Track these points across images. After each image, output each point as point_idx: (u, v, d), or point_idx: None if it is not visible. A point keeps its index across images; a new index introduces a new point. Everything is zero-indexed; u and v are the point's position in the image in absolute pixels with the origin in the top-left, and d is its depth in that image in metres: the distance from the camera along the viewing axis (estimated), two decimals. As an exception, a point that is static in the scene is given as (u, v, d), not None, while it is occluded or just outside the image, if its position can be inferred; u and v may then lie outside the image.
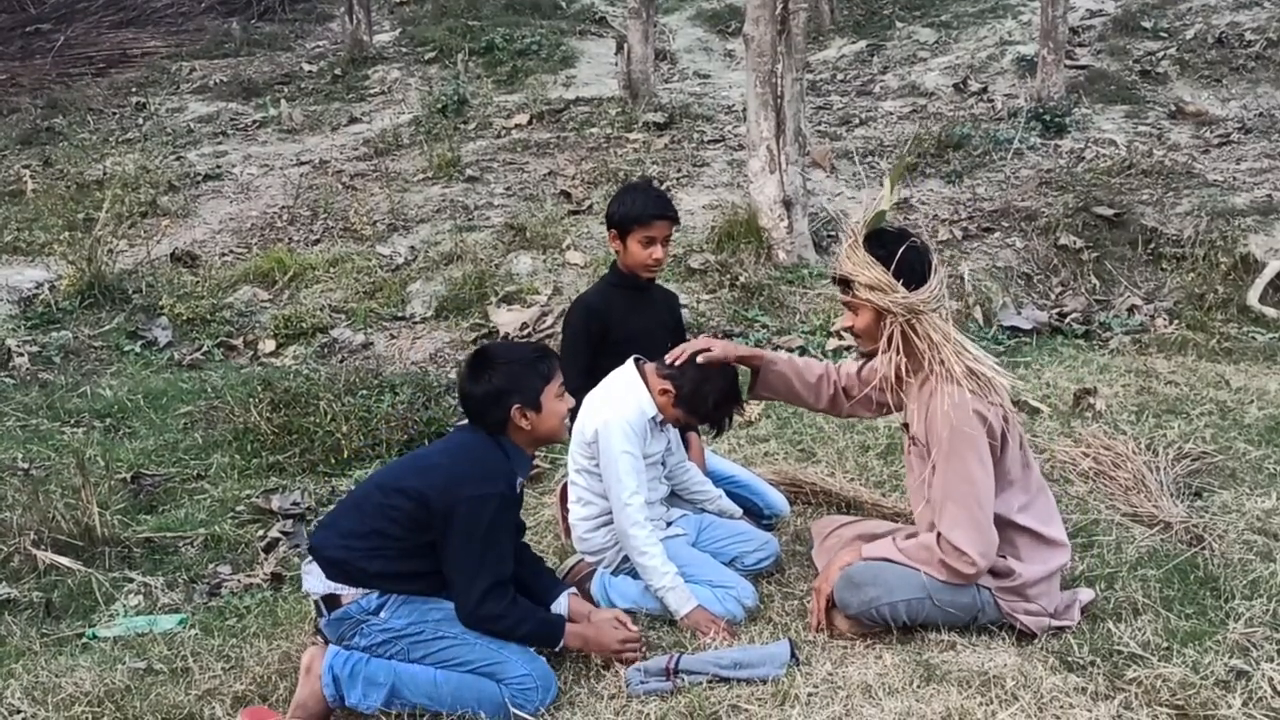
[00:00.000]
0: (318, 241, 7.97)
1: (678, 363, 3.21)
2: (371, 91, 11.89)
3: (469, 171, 8.80)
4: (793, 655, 2.82)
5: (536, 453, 3.60)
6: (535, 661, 2.81)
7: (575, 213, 7.78)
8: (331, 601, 2.81)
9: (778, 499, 3.82)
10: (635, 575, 3.24)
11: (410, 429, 4.95)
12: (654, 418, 3.25)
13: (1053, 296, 6.82)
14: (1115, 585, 3.18)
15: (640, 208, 3.49)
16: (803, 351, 5.90)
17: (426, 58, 12.67)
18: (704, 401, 3.21)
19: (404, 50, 13.09)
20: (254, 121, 11.16)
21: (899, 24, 12.64)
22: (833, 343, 5.96)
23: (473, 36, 12.97)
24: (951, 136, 8.77)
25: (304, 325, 6.64)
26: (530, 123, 10.08)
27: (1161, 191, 7.70)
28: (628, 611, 3.12)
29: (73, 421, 5.46)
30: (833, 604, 2.99)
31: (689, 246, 7.03)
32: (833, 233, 7.27)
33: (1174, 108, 9.54)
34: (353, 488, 3.91)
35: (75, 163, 9.80)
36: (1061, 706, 2.56)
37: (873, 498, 3.93)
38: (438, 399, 5.26)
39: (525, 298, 6.64)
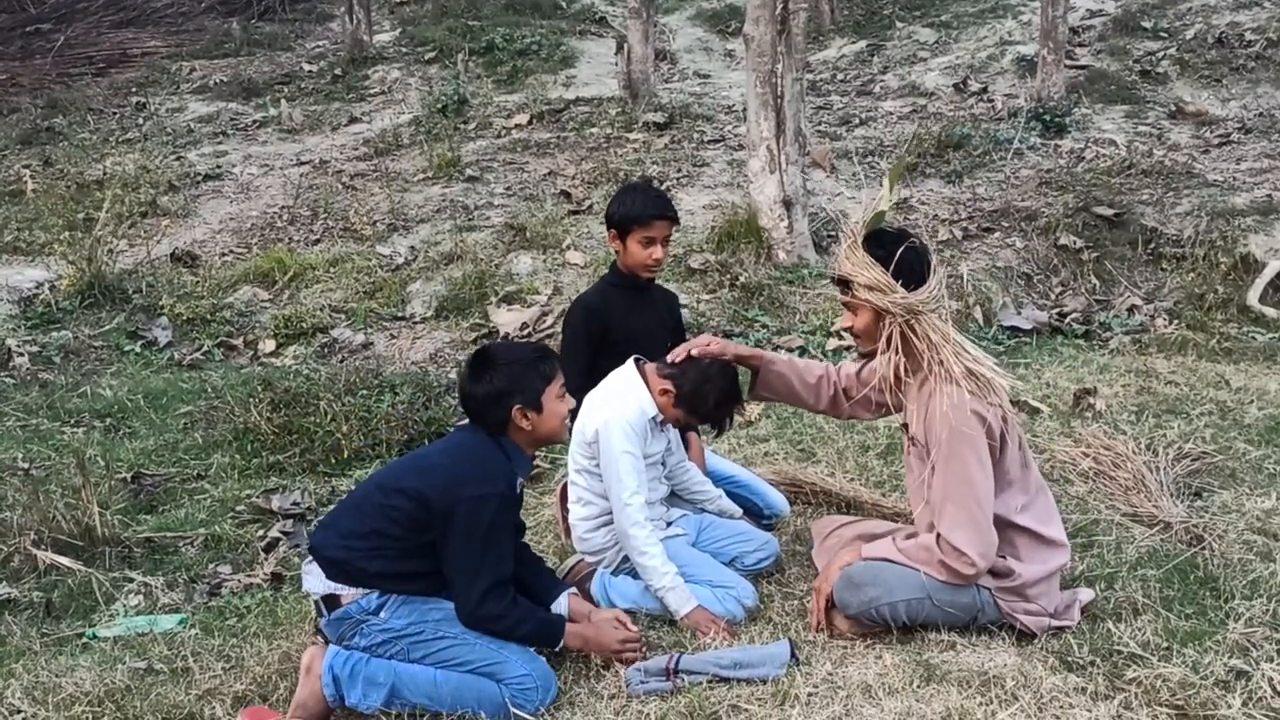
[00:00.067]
0: (318, 241, 7.97)
1: (678, 361, 3.21)
2: (371, 91, 11.89)
3: (469, 171, 8.80)
4: (793, 655, 2.82)
5: (536, 453, 3.60)
6: (535, 661, 2.81)
7: (575, 213, 7.79)
8: (331, 601, 2.81)
9: (778, 499, 3.82)
10: (635, 575, 3.24)
11: (410, 429, 4.95)
12: (654, 418, 3.25)
13: (1053, 296, 6.82)
14: (1115, 585, 3.18)
15: (640, 208, 3.49)
16: (803, 351, 5.90)
17: (426, 58, 12.68)
18: (704, 401, 3.21)
19: (404, 50, 13.09)
20: (254, 121, 11.16)
21: (899, 24, 12.64)
22: (833, 343, 5.96)
23: (473, 36, 12.97)
24: (951, 136, 8.77)
25: (304, 325, 6.65)
26: (530, 123, 10.08)
27: (1161, 191, 7.71)
28: (628, 611, 3.12)
29: (73, 421, 5.46)
30: (833, 604, 2.99)
31: (689, 246, 7.04)
32: (833, 233, 7.27)
33: (1174, 108, 9.54)
34: (353, 488, 3.91)
35: (75, 163, 9.80)
36: (1061, 706, 2.56)
37: (873, 498, 3.93)
38: (438, 399, 5.26)
39: (525, 298, 6.64)
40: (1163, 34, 10.86)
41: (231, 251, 8.01)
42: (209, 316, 6.84)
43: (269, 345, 6.54)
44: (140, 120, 11.46)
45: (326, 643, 2.86)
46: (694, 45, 13.35)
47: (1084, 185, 7.82)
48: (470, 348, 6.05)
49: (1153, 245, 7.15)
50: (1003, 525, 2.86)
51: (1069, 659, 2.79)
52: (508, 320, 6.40)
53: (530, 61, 12.19)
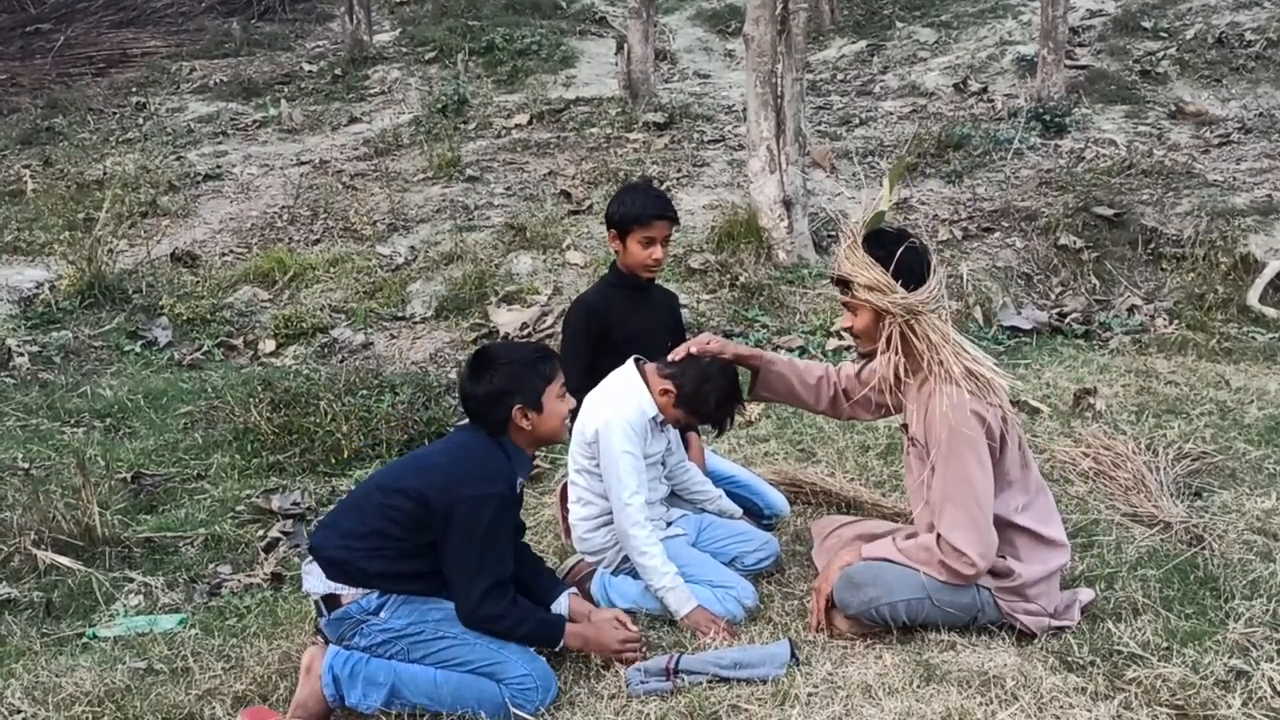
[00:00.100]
0: (318, 241, 7.97)
1: (678, 360, 3.21)
2: (371, 91, 11.89)
3: (469, 171, 8.80)
4: (793, 655, 2.82)
5: (536, 453, 3.60)
6: (535, 661, 2.81)
7: (575, 213, 7.79)
8: (331, 601, 2.81)
9: (778, 499, 3.82)
10: (635, 575, 3.24)
11: (410, 429, 4.95)
12: (654, 418, 3.25)
13: (1053, 296, 6.82)
14: (1115, 585, 3.18)
15: (640, 208, 3.49)
16: (803, 352, 5.90)
17: (426, 58, 12.68)
18: (705, 401, 3.21)
19: (404, 50, 13.09)
20: (254, 121, 11.16)
21: (899, 24, 12.64)
22: (833, 343, 5.96)
23: (473, 36, 12.98)
24: (951, 136, 8.77)
25: (304, 325, 6.65)
26: (530, 123, 10.08)
27: (1161, 191, 7.71)
28: (628, 611, 3.12)
29: (73, 421, 5.46)
30: (833, 604, 2.99)
31: (689, 246, 7.04)
32: (833, 233, 7.26)
33: (1174, 108, 9.54)
34: (353, 488, 3.91)
35: (75, 163, 9.80)
36: (1061, 706, 2.56)
37: (873, 498, 3.93)
38: (438, 399, 5.26)
39: (525, 298, 6.64)
40: (1163, 34, 10.86)
41: (231, 251, 8.01)
42: (209, 316, 6.84)
43: (269, 345, 6.54)
44: (140, 120, 11.46)
45: (326, 643, 2.86)
46: (694, 45, 13.35)
47: (1084, 185, 7.82)
48: (470, 348, 6.05)
49: (1153, 245, 7.15)
50: (1002, 525, 2.86)
51: (1069, 659, 2.79)
52: (508, 320, 6.40)
53: (530, 61, 12.19)
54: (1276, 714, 2.55)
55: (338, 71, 12.45)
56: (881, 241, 2.86)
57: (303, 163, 9.73)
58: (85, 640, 3.46)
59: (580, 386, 3.28)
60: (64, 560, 3.92)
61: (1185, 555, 3.37)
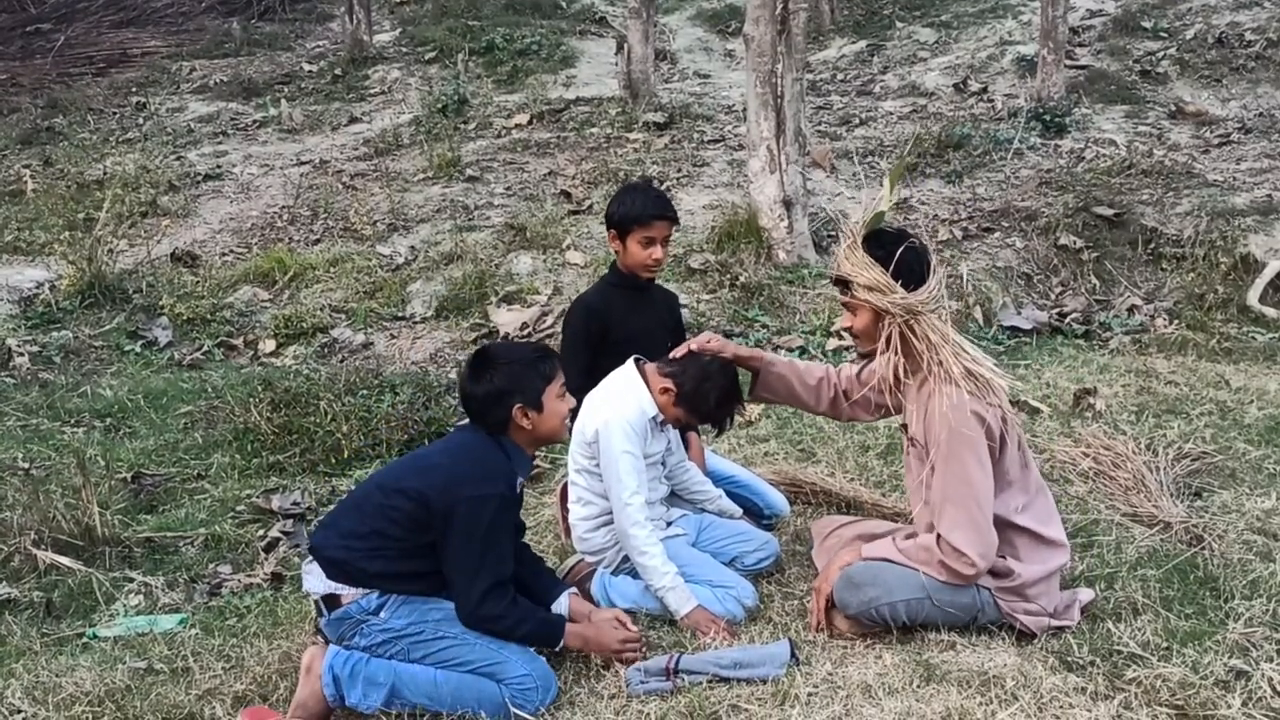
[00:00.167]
0: (318, 241, 7.97)
1: (679, 357, 3.22)
2: (371, 91, 11.89)
3: (469, 171, 8.80)
4: (793, 655, 2.82)
5: (536, 453, 3.60)
6: (535, 661, 2.82)
7: (575, 213, 7.79)
8: (331, 601, 2.81)
9: (778, 499, 3.82)
10: (635, 575, 3.24)
11: (410, 429, 4.95)
12: (654, 417, 3.25)
13: (1053, 296, 6.82)
14: (1115, 585, 3.18)
15: (640, 208, 3.49)
16: (803, 352, 5.90)
17: (426, 58, 12.68)
18: (705, 400, 3.21)
19: (404, 50, 13.09)
20: (254, 121, 11.17)
21: (899, 24, 12.64)
22: (833, 343, 5.96)
23: (473, 36, 12.98)
24: (951, 136, 8.77)
25: (304, 325, 6.65)
26: (530, 123, 10.08)
27: (1161, 191, 7.71)
28: (628, 611, 3.12)
29: (73, 421, 5.46)
30: (832, 604, 2.99)
31: (689, 246, 7.04)
32: (833, 233, 7.26)
33: (1174, 108, 9.54)
34: (353, 488, 3.91)
35: (75, 162, 9.80)
36: (1061, 706, 2.56)
37: (873, 498, 3.93)
38: (438, 399, 5.26)
39: (525, 298, 6.64)
40: (1163, 34, 10.86)
41: (231, 251, 8.01)
42: (209, 316, 6.85)
43: (269, 345, 6.54)
44: (140, 120, 11.46)
45: (327, 642, 2.86)
46: (694, 45, 13.36)
47: (1084, 185, 7.82)
48: (470, 348, 6.05)
49: (1153, 245, 7.15)
50: (1002, 525, 2.86)
51: (1069, 659, 2.80)
52: (508, 320, 6.40)
53: (530, 61, 12.19)
54: (1276, 714, 2.55)
55: (338, 71, 12.45)
56: (881, 241, 2.86)
57: (303, 163, 9.73)
58: (85, 640, 3.46)
59: (580, 386, 3.28)
60: (64, 560, 3.92)
61: (1185, 555, 3.37)
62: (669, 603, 3.11)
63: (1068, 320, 6.47)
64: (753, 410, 4.93)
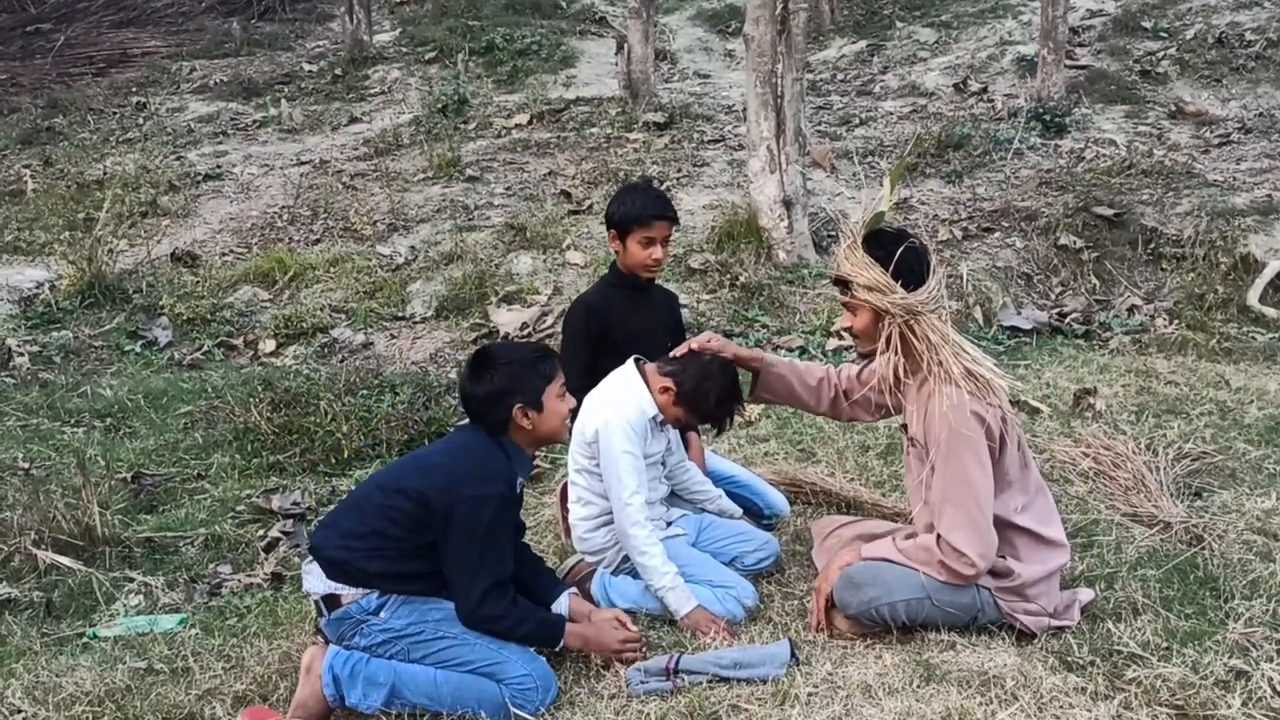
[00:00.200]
0: (318, 241, 7.97)
1: (679, 356, 3.22)
2: (371, 91, 11.89)
3: (469, 171, 8.80)
4: (793, 655, 2.82)
5: (536, 453, 3.60)
6: (535, 661, 2.82)
7: (575, 213, 7.79)
8: (331, 601, 2.81)
9: (778, 499, 3.82)
10: (635, 575, 3.24)
11: (410, 429, 4.95)
12: (654, 417, 3.25)
13: (1053, 296, 6.82)
14: (1115, 585, 3.18)
15: (640, 208, 3.49)
16: (803, 352, 5.90)
17: (427, 58, 12.68)
18: (705, 399, 3.21)
19: (404, 50, 13.09)
20: (254, 121, 11.17)
21: (899, 24, 12.64)
22: (833, 343, 5.96)
23: (473, 36, 12.98)
24: (951, 136, 8.77)
25: (304, 325, 6.65)
26: (530, 123, 10.08)
27: (1161, 191, 7.71)
28: (628, 611, 3.12)
29: (73, 421, 5.46)
30: (833, 604, 2.99)
31: (689, 246, 7.04)
32: (833, 233, 7.26)
33: (1174, 108, 9.54)
34: (353, 488, 3.91)
35: (75, 162, 9.80)
36: (1061, 706, 2.56)
37: (873, 498, 3.93)
38: (438, 399, 5.26)
39: (525, 298, 6.64)
40: (1163, 34, 10.86)
41: (231, 251, 8.01)
42: (209, 316, 6.85)
43: (269, 345, 6.54)
44: (140, 120, 11.46)
45: (327, 642, 2.86)
46: (694, 45, 13.36)
47: (1084, 185, 7.82)
48: (470, 348, 6.06)
49: (1153, 245, 7.15)
50: (1002, 525, 2.86)
51: (1069, 659, 2.80)
52: (508, 320, 6.40)
53: (530, 61, 12.19)
54: (1276, 714, 2.55)
55: (338, 71, 12.45)
56: (881, 241, 2.86)
57: (303, 163, 9.74)
58: (85, 640, 3.46)
59: (580, 386, 3.28)
60: (64, 560, 3.92)
61: (1185, 555, 3.37)
62: (669, 603, 3.11)
63: (1068, 320, 6.47)
64: (753, 410, 4.94)
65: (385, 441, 4.87)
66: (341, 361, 6.24)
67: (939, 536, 2.83)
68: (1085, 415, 4.76)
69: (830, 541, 3.29)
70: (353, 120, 11.02)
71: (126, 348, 6.52)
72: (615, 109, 10.08)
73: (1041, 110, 9.08)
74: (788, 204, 6.87)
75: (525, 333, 6.24)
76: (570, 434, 3.26)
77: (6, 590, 3.78)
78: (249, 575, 3.90)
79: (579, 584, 3.30)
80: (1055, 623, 2.94)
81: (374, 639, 2.80)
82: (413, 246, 7.60)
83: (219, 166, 9.77)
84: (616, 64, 10.55)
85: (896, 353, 2.87)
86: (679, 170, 8.42)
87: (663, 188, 7.46)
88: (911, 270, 2.83)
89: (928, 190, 8.06)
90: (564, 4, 14.52)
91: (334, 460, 4.81)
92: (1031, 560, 2.91)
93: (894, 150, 8.78)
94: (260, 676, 3.02)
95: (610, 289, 3.63)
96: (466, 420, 3.02)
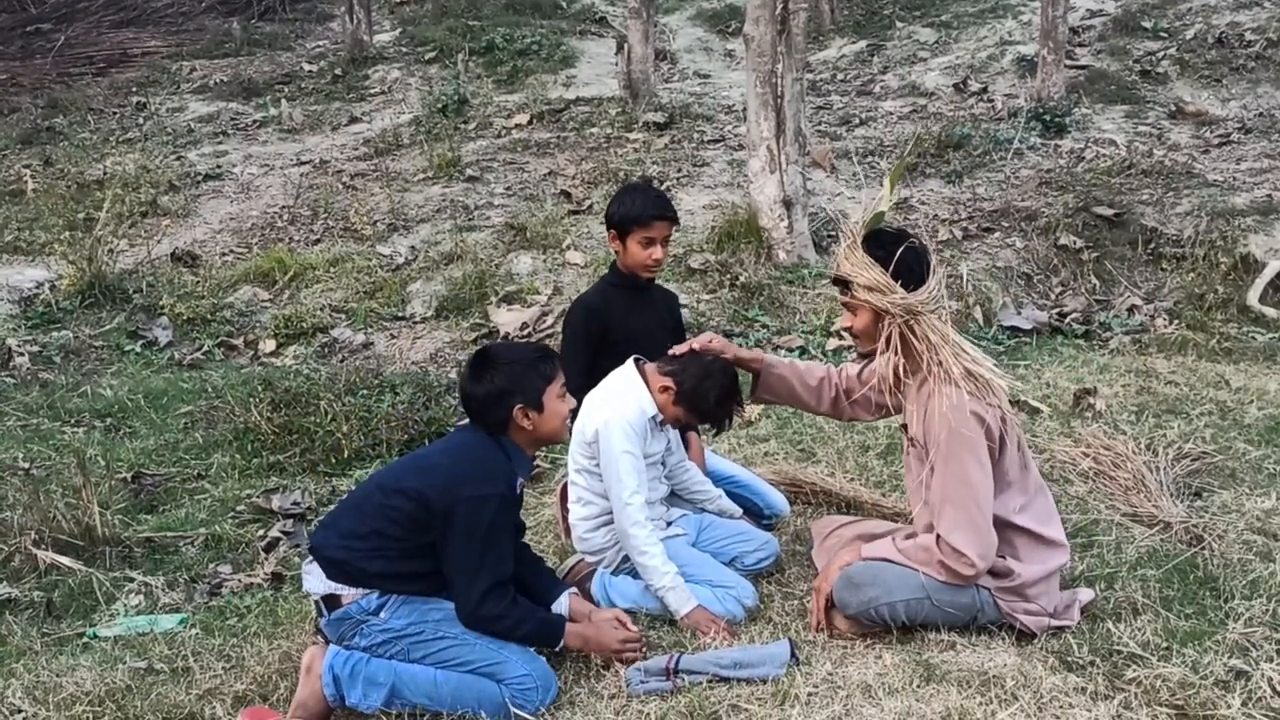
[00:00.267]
0: (318, 241, 7.97)
1: (679, 355, 3.22)
2: (372, 91, 11.89)
3: (469, 171, 8.80)
4: (793, 655, 2.82)
5: (536, 453, 3.60)
6: (535, 661, 2.82)
7: (575, 213, 7.79)
8: (332, 601, 2.81)
9: (778, 499, 3.82)
10: (635, 575, 3.24)
11: (410, 429, 4.95)
12: (654, 417, 3.25)
13: (1053, 296, 6.82)
14: (1115, 585, 3.18)
15: (640, 208, 3.49)
16: (803, 352, 5.90)
17: (427, 58, 12.68)
18: (705, 399, 3.21)
19: (404, 50, 13.09)
20: (254, 121, 11.17)
21: (899, 24, 12.64)
22: (833, 343, 5.96)
23: (473, 36, 12.98)
24: (951, 136, 8.77)
25: (304, 325, 6.65)
26: (530, 123, 10.08)
27: (1161, 191, 7.71)
28: (628, 611, 3.12)
29: (73, 421, 5.46)
30: (832, 604, 2.99)
31: (689, 246, 7.04)
32: (833, 233, 7.27)
33: (1174, 108, 9.54)
34: (353, 488, 3.91)
35: (75, 162, 9.80)
36: (1061, 706, 2.56)
37: (873, 498, 3.93)
38: (438, 399, 5.26)
39: (525, 298, 6.64)
40: (1163, 34, 10.86)
41: (232, 251, 8.01)
42: (209, 316, 6.85)
43: (269, 345, 6.54)
44: (140, 120, 11.46)
45: (327, 642, 2.86)
46: (694, 45, 13.36)
47: (1084, 185, 7.82)
48: (470, 348, 6.06)
49: (1153, 245, 7.15)
50: (1002, 526, 2.86)
51: (1069, 659, 2.80)
52: (508, 320, 6.41)
53: (530, 61, 12.20)
54: (1276, 714, 2.55)
55: (338, 71, 12.45)
56: (881, 241, 2.86)
57: (303, 163, 9.74)
58: (86, 640, 3.46)
59: (580, 386, 3.28)
60: (64, 560, 3.92)
61: (1185, 555, 3.37)
62: (669, 603, 3.11)
63: (1068, 320, 6.47)
64: (753, 410, 4.94)
65: (385, 441, 4.88)
66: (341, 361, 6.24)
67: (939, 536, 2.84)
68: (1085, 415, 4.76)
69: (830, 541, 3.29)
70: (353, 120, 11.03)
71: (126, 348, 6.52)
72: (615, 109, 10.08)
73: (1041, 110, 9.08)
74: (788, 204, 6.87)
75: (525, 333, 6.24)
76: (570, 434, 3.26)
77: (6, 590, 3.78)
78: (249, 575, 3.90)
79: (579, 584, 3.30)
80: (1055, 623, 2.94)
81: (374, 639, 2.80)
82: (413, 246, 7.60)
83: (219, 166, 9.77)
84: (616, 64, 10.55)
85: (896, 353, 2.87)
86: (679, 170, 8.42)
87: (663, 188, 7.46)
88: (911, 270, 2.83)
89: (928, 190, 8.07)
90: (564, 4, 14.52)
91: (334, 460, 4.81)
92: (1031, 560, 2.91)
93: (894, 150, 8.78)
94: (260, 676, 3.02)
95: (610, 289, 3.64)
96: (466, 420, 3.02)
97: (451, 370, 5.87)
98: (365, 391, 5.29)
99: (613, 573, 3.32)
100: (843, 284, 2.91)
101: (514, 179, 8.67)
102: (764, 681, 2.74)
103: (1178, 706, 2.57)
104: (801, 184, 7.02)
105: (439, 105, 10.67)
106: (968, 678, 2.69)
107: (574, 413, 3.20)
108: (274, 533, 4.18)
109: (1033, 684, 2.64)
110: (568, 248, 7.17)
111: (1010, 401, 2.97)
